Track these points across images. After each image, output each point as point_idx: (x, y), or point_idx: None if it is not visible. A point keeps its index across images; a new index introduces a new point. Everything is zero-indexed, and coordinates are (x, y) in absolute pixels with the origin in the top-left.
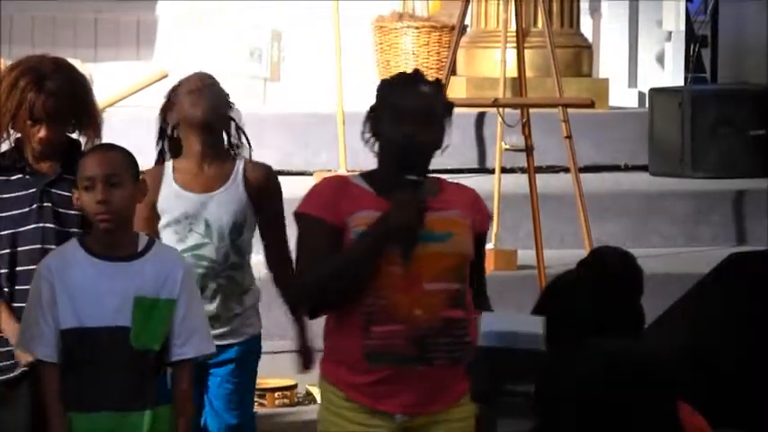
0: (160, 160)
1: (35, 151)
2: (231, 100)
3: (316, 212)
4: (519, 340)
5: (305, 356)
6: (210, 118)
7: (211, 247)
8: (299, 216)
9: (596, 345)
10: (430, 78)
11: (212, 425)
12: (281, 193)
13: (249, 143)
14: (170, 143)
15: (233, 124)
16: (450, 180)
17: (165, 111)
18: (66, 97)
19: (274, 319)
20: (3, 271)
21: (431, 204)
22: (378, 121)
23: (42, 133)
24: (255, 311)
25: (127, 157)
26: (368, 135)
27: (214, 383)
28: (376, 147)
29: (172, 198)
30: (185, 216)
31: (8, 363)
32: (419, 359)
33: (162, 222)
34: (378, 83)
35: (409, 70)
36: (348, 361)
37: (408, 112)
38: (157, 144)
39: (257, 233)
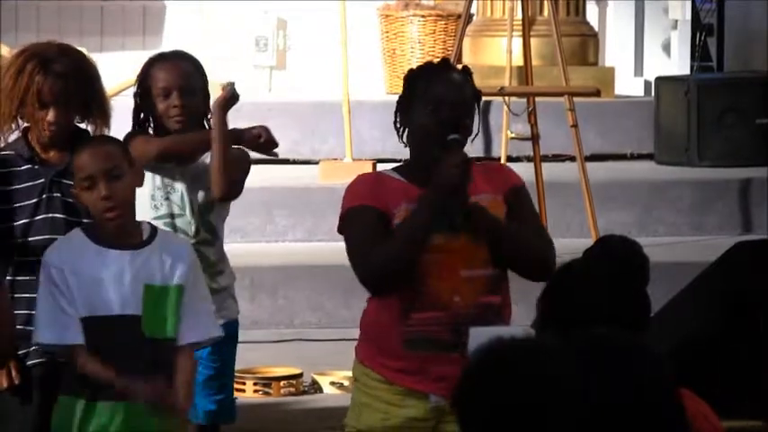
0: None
1: (43, 138)
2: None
3: (363, 202)
4: None
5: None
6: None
7: (183, 219)
8: (344, 214)
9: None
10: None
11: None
12: (244, 173)
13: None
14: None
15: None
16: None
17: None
18: (74, 79)
19: (279, 307)
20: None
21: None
22: (409, 111)
23: (51, 117)
24: (230, 295)
25: (120, 146)
26: (398, 125)
27: None
28: (405, 137)
29: (150, 166)
30: (163, 184)
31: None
32: (455, 346)
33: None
34: (406, 73)
35: (416, 59)
36: (386, 346)
37: (443, 100)
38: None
39: (228, 219)
